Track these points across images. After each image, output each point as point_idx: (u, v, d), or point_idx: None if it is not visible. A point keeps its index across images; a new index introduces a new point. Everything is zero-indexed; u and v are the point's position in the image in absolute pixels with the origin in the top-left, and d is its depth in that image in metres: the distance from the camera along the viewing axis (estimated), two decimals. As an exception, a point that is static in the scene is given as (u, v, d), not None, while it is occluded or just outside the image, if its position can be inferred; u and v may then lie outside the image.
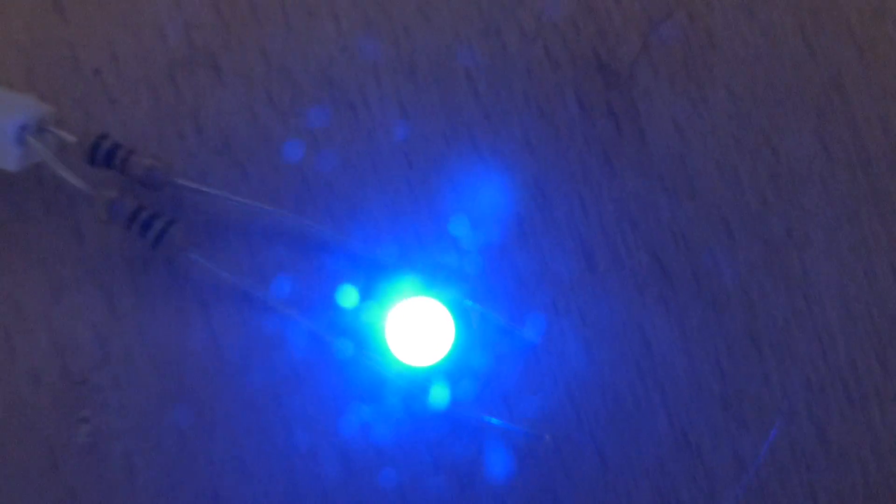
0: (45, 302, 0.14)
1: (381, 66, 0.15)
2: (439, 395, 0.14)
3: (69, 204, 0.15)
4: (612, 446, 0.14)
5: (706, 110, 0.15)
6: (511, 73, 0.15)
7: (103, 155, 0.14)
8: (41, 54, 0.15)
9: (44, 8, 0.15)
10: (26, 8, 0.15)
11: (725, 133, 0.15)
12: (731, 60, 0.15)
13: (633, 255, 0.14)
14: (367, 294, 0.14)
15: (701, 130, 0.15)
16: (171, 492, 0.14)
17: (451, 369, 0.14)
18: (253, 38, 0.15)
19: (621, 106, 0.15)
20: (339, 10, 0.15)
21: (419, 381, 0.14)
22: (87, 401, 0.14)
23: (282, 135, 0.15)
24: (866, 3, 0.15)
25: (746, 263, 0.14)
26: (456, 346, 0.14)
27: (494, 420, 0.14)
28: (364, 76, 0.15)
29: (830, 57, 0.15)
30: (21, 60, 0.15)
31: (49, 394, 0.14)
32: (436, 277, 0.14)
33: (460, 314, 0.14)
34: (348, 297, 0.14)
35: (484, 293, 0.14)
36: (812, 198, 0.15)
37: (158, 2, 0.16)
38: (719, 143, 0.15)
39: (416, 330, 0.14)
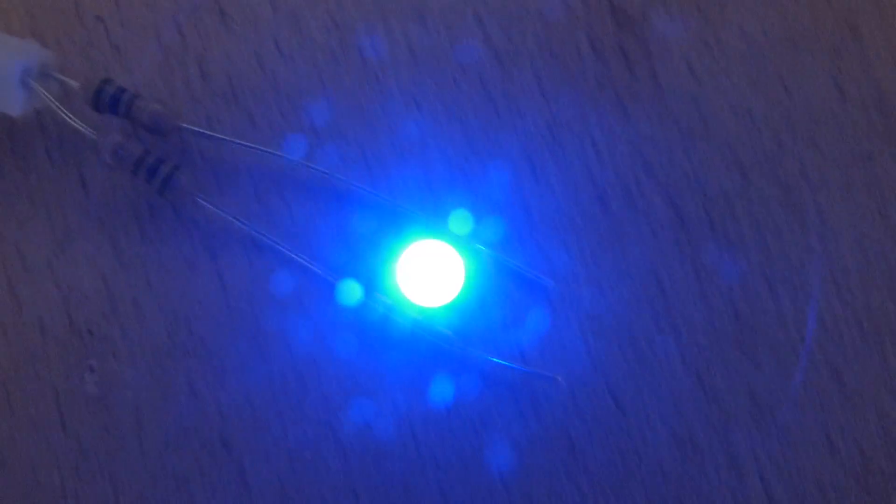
0: (50, 251, 0.14)
1: (390, 10, 0.15)
2: (449, 335, 0.13)
3: (73, 151, 0.14)
4: (627, 389, 0.14)
5: (720, 51, 0.15)
6: (523, 16, 0.15)
7: (108, 100, 0.14)
8: (42, 1, 0.15)
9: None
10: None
11: (739, 74, 0.15)
12: (743, 1, 0.15)
13: (647, 198, 0.14)
14: (376, 238, 0.14)
15: (714, 72, 0.15)
16: (179, 442, 0.14)
17: (463, 311, 0.14)
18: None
19: (634, 48, 0.15)
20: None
21: (429, 321, 0.13)
22: (94, 351, 0.14)
23: (288, 80, 0.15)
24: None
25: (761, 205, 0.14)
26: (467, 287, 0.13)
27: (506, 363, 0.13)
28: (372, 20, 0.15)
29: None
30: (22, 7, 0.15)
31: (55, 344, 0.14)
32: (446, 221, 0.14)
33: (471, 256, 0.14)
34: (357, 240, 0.14)
35: (496, 236, 0.14)
36: (826, 138, 0.14)
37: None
38: (733, 85, 0.15)
39: (427, 271, 0.13)
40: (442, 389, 0.14)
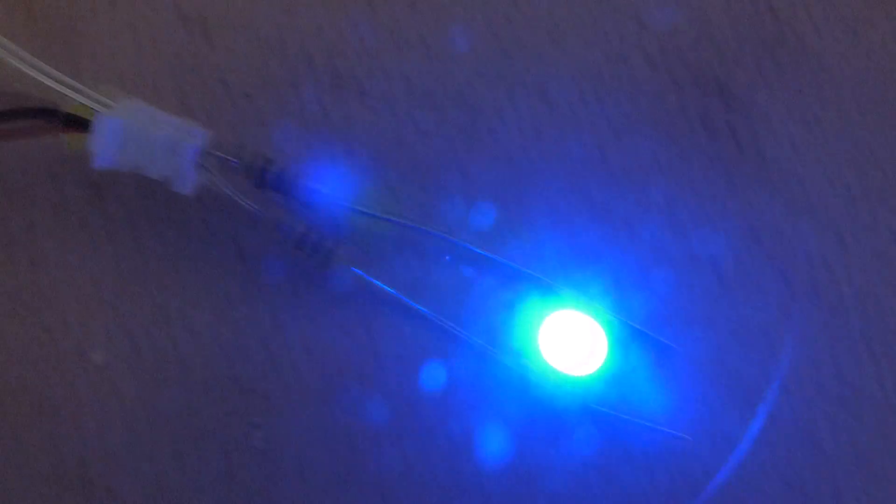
0: (212, 315, 0.15)
1: (516, 88, 0.16)
2: (596, 402, 0.15)
3: (230, 221, 0.15)
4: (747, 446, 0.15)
5: (819, 129, 0.16)
6: (638, 94, 0.16)
7: (271, 179, 0.15)
8: (192, 80, 0.16)
9: (192, 36, 0.16)
10: (176, 37, 0.16)
11: (837, 151, 0.16)
12: (839, 82, 0.16)
13: (759, 267, 0.16)
14: (518, 306, 0.15)
15: (815, 148, 0.16)
16: (341, 493, 0.15)
17: (605, 377, 0.15)
18: (394, 63, 0.16)
19: (742, 126, 0.16)
20: (476, 37, 0.16)
21: (577, 390, 0.15)
22: (258, 408, 0.15)
23: (426, 155, 0.16)
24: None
25: (860, 272, 0.16)
26: (610, 357, 0.15)
27: (646, 423, 0.15)
28: (500, 97, 0.16)
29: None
30: (174, 86, 0.16)
31: (221, 402, 0.15)
32: (585, 293, 0.15)
33: (609, 326, 0.15)
34: (502, 309, 0.15)
35: (625, 307, 0.15)
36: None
37: (301, 27, 0.16)
38: (832, 160, 0.16)
39: (570, 340, 0.15)
40: (582, 450, 0.15)
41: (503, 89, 0.16)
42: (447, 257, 0.15)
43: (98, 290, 0.15)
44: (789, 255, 0.16)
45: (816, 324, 0.16)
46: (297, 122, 0.16)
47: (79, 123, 0.15)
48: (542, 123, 0.16)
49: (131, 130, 0.14)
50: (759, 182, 0.16)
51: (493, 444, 0.15)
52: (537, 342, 0.15)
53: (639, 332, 0.15)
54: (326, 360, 0.15)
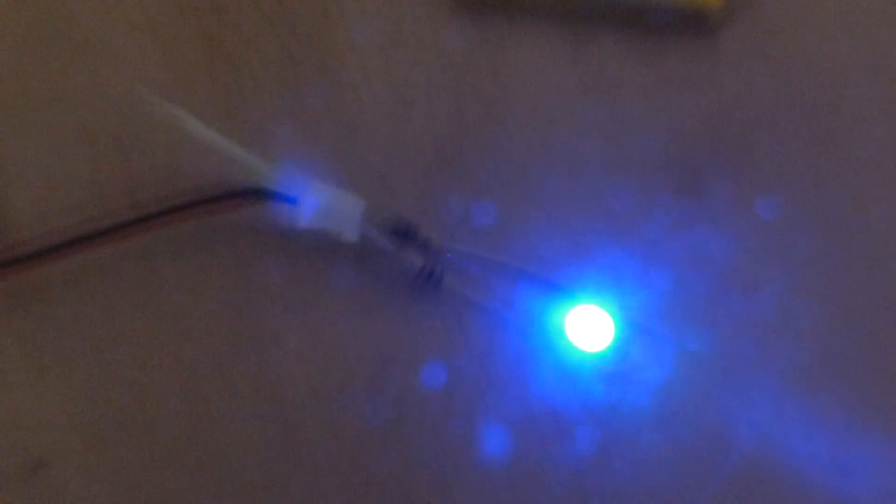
0: (361, 323, 0.24)
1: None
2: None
3: (373, 263, 0.24)
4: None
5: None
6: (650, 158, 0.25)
7: (403, 231, 0.24)
8: (343, 164, 0.25)
9: (343, 137, 0.25)
10: (325, 138, 0.25)
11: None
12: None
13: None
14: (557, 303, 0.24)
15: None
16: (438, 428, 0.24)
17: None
18: (476, 150, 0.25)
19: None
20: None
21: (593, 362, 0.24)
22: (390, 376, 0.24)
23: (499, 216, 0.25)
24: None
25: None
26: (616, 339, 0.24)
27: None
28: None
29: None
30: (332, 174, 0.25)
31: (366, 377, 0.24)
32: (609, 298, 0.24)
33: (622, 319, 0.24)
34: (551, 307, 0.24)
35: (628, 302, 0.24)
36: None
37: (415, 130, 0.25)
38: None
39: (590, 323, 0.24)
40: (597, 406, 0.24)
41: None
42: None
43: (287, 303, 0.24)
44: (735, 284, 0.25)
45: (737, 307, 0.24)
46: (413, 193, 0.25)
47: (282, 198, 0.23)
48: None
49: (322, 204, 0.23)
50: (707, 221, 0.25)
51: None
52: (565, 329, 0.24)
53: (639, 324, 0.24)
54: (435, 360, 0.24)
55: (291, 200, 0.23)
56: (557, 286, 0.24)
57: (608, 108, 0.25)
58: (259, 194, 0.24)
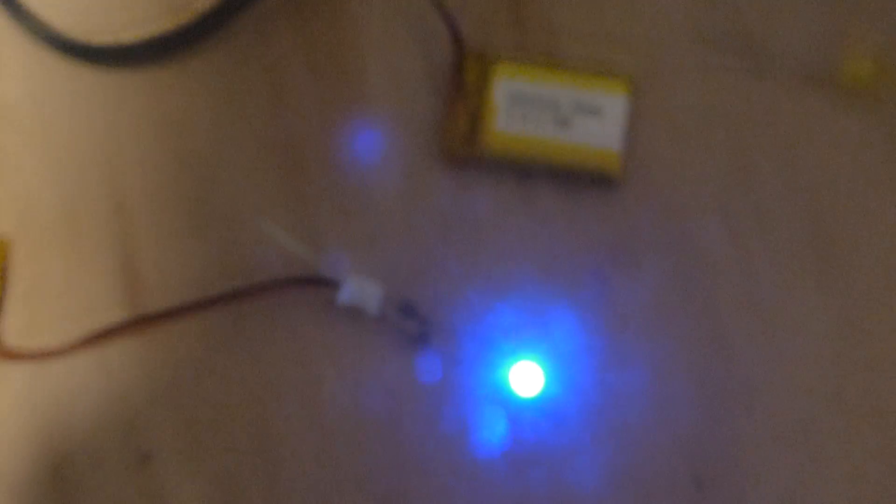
0: (377, 368, 0.36)
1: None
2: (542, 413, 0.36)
3: (386, 325, 0.37)
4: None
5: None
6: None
7: (406, 308, 0.36)
8: (370, 263, 0.37)
9: (371, 245, 0.38)
10: (360, 247, 0.37)
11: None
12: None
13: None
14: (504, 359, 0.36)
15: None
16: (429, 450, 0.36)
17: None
18: (455, 257, 0.38)
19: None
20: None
21: (530, 403, 0.36)
22: (398, 408, 0.36)
23: (470, 299, 0.37)
24: None
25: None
26: (546, 386, 0.36)
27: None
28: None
29: None
30: (363, 269, 0.37)
31: (380, 402, 0.36)
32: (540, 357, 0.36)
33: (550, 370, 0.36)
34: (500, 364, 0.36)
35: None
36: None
37: (417, 244, 0.38)
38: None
39: (527, 375, 0.36)
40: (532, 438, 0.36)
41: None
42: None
43: (329, 355, 0.36)
44: (625, 343, 0.37)
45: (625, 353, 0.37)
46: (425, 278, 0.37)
47: (327, 283, 0.36)
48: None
49: (354, 288, 0.35)
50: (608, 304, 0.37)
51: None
52: (509, 378, 0.36)
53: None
54: (416, 392, 0.36)
55: (335, 285, 0.36)
56: (505, 347, 0.36)
57: (545, 229, 0.38)
58: (314, 281, 0.36)
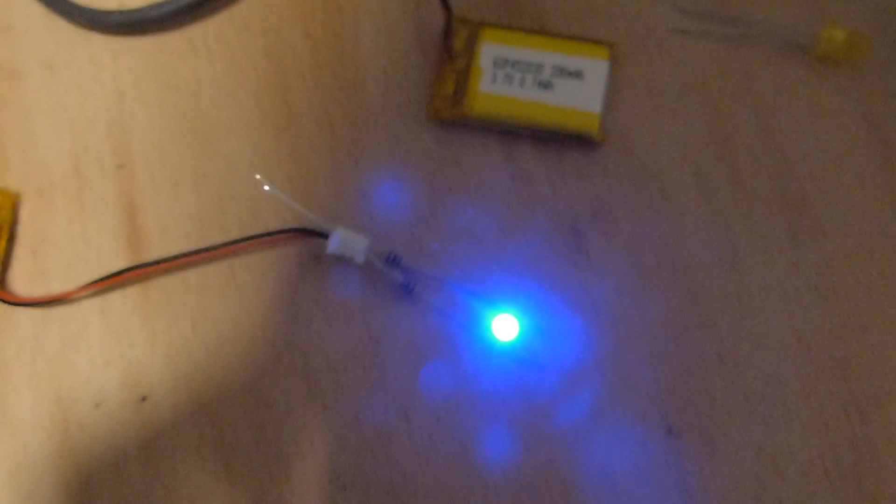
0: (363, 313, 0.38)
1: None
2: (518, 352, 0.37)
3: (372, 274, 0.38)
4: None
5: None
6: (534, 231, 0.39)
7: (392, 259, 0.38)
8: (360, 217, 0.39)
9: (360, 200, 0.39)
10: (349, 201, 0.39)
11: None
12: (632, 242, 0.39)
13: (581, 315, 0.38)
14: (486, 311, 0.38)
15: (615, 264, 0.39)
16: (409, 387, 0.37)
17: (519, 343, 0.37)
18: (442, 214, 0.39)
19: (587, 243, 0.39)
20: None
21: (507, 347, 0.37)
22: (380, 352, 0.38)
23: (455, 253, 0.39)
24: None
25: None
26: (521, 333, 0.37)
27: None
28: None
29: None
30: (353, 222, 0.39)
31: (366, 348, 0.38)
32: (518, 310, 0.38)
33: (523, 322, 0.37)
34: (485, 315, 0.38)
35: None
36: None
37: (405, 199, 0.40)
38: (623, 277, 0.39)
39: (505, 325, 0.37)
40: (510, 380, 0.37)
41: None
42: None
43: (316, 301, 0.38)
44: (597, 296, 0.38)
45: (601, 324, 0.38)
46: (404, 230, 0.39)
47: (318, 234, 0.38)
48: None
49: (342, 238, 0.37)
50: (586, 266, 0.39)
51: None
52: (492, 326, 0.38)
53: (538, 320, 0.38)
54: (406, 338, 0.38)
55: (324, 236, 0.38)
56: (488, 299, 0.38)
57: (527, 190, 0.39)
58: (303, 231, 0.38)
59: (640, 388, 0.37)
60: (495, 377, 0.37)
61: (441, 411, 0.37)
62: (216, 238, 0.36)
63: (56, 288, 0.36)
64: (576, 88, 0.38)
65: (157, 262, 0.37)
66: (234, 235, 0.36)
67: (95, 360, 0.38)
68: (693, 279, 0.37)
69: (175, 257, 0.38)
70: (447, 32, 0.39)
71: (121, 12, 0.41)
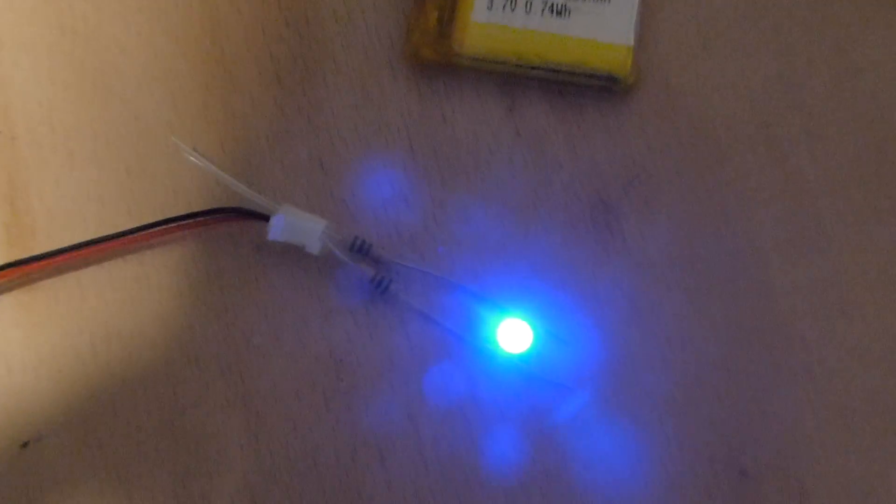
0: (321, 319, 0.28)
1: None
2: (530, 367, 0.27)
3: (327, 268, 0.28)
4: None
5: (659, 225, 0.29)
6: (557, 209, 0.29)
7: (359, 247, 0.28)
8: (313, 193, 0.29)
9: (314, 170, 0.30)
10: (302, 173, 0.29)
11: (671, 239, 0.29)
12: (671, 196, 0.30)
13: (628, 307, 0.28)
14: (488, 316, 0.28)
15: (657, 235, 0.29)
16: (383, 421, 0.27)
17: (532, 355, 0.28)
18: (425, 185, 0.29)
19: (614, 223, 0.29)
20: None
21: (517, 360, 0.27)
22: (343, 370, 0.28)
23: (442, 240, 0.29)
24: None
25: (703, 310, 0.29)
26: (534, 343, 0.27)
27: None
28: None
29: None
30: (304, 200, 0.29)
31: (324, 367, 0.28)
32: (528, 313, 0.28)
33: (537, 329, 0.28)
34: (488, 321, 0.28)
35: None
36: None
37: (375, 167, 0.30)
38: (669, 245, 0.29)
39: (515, 333, 0.28)
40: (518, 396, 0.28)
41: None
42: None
43: (258, 305, 0.28)
44: (635, 290, 0.29)
45: (644, 327, 0.28)
46: (373, 216, 0.29)
47: (258, 216, 0.28)
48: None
49: (289, 221, 0.27)
50: (620, 251, 0.29)
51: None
52: (496, 335, 0.28)
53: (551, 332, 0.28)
54: (382, 348, 0.28)
55: (264, 218, 0.28)
56: (490, 301, 0.28)
57: (537, 151, 0.30)
58: (238, 212, 0.28)
59: (698, 417, 0.27)
60: (502, 403, 0.27)
61: (431, 453, 0.27)
62: (123, 224, 0.28)
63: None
64: (600, 14, 0.29)
65: (43, 257, 0.28)
66: (148, 220, 0.27)
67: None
68: (764, 267, 0.28)
69: (67, 250, 0.28)
70: (427, -54, 0.29)
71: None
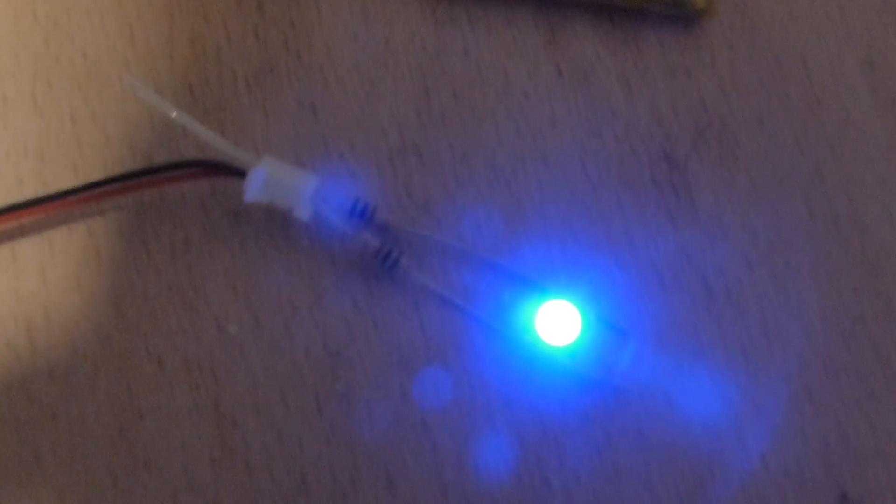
0: (312, 301, 0.22)
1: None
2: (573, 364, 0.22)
3: (326, 236, 0.23)
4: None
5: (734, 188, 0.23)
6: (619, 161, 0.24)
7: (359, 212, 0.22)
8: (303, 145, 0.24)
9: (304, 116, 0.24)
10: (289, 121, 0.24)
11: (745, 201, 0.23)
12: (750, 156, 0.24)
13: (687, 276, 0.23)
14: (524, 298, 0.22)
15: (730, 199, 0.23)
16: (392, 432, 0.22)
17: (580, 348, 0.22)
18: (443, 135, 0.24)
19: (679, 182, 0.23)
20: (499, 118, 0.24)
21: (561, 354, 0.22)
22: (341, 366, 0.22)
23: (466, 204, 0.23)
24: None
25: (760, 285, 0.23)
26: (582, 333, 0.22)
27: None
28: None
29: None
30: (291, 154, 0.23)
31: (316, 362, 0.22)
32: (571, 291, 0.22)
33: (582, 312, 0.22)
34: (525, 305, 0.22)
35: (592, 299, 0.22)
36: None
37: (380, 113, 0.24)
38: (742, 206, 0.23)
39: (558, 319, 0.22)
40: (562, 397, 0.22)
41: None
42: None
43: (233, 285, 0.23)
44: (709, 268, 0.23)
45: (720, 316, 0.22)
46: (376, 175, 0.23)
47: (232, 172, 0.22)
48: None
49: (270, 176, 0.21)
50: (689, 219, 0.23)
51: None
52: (535, 323, 0.22)
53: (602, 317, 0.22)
54: (390, 335, 0.22)
55: (240, 174, 0.22)
56: (526, 280, 0.22)
57: (584, 94, 0.24)
58: (205, 166, 0.22)
59: (789, 429, 0.21)
60: (543, 410, 0.21)
61: (453, 475, 0.21)
62: (66, 182, 0.24)
63: None
64: (665, -81, 0.23)
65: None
66: (97, 178, 0.24)
67: None
68: (871, 236, 0.22)
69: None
70: None
71: None
